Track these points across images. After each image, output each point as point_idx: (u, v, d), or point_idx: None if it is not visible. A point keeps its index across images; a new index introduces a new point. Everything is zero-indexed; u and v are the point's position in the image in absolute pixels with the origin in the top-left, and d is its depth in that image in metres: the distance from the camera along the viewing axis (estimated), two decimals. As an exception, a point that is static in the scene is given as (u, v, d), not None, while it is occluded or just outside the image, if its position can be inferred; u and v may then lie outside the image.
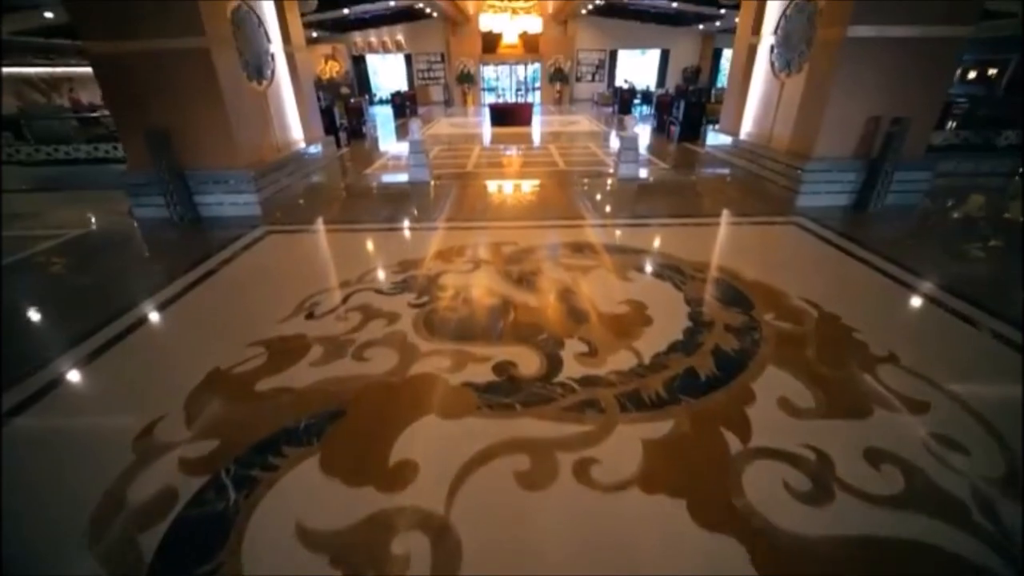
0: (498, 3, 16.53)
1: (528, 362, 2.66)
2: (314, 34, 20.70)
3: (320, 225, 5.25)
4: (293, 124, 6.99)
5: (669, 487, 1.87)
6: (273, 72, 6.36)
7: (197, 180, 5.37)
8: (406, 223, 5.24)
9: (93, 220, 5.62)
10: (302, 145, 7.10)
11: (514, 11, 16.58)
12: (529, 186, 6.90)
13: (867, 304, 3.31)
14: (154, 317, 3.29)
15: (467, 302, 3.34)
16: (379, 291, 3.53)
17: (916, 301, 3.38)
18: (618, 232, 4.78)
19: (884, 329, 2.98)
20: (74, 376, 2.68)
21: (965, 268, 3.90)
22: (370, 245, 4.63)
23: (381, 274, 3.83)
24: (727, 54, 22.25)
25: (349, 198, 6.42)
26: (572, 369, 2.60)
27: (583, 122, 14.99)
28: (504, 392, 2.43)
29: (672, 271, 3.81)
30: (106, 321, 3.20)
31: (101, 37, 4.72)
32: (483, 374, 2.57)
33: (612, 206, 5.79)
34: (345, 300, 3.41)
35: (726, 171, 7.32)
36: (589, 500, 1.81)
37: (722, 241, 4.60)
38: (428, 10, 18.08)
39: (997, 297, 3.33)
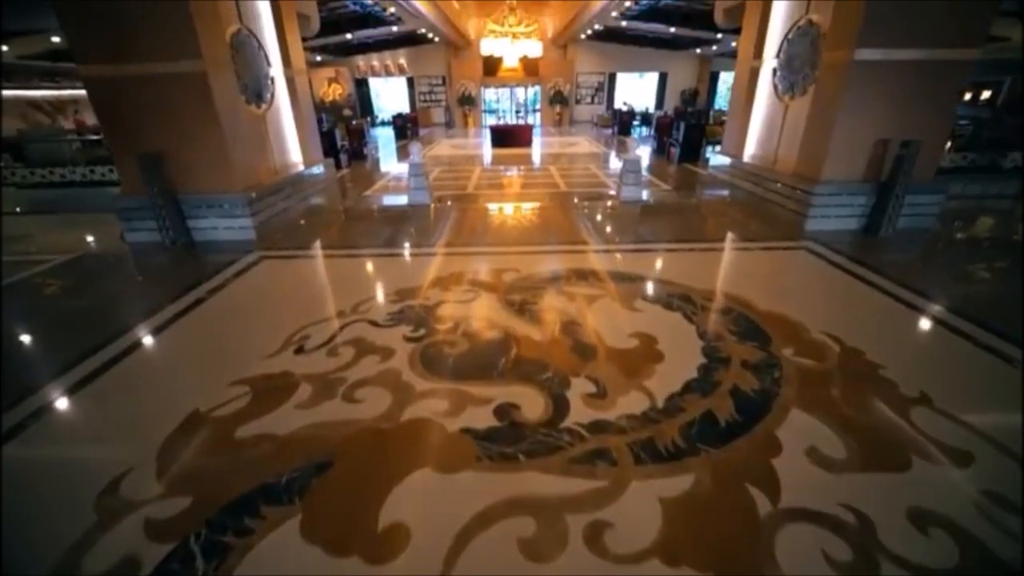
0: (499, 28, 16.80)
1: (532, 404, 2.46)
2: (318, 58, 21.03)
3: (316, 250, 5.10)
4: (292, 147, 6.92)
5: (693, 558, 1.65)
6: (273, 95, 6.31)
7: (191, 204, 5.24)
8: (404, 248, 5.09)
9: (83, 245, 5.48)
10: (301, 168, 7.02)
11: (515, 36, 16.83)
12: (530, 208, 6.79)
13: (890, 336, 3.12)
14: (134, 352, 3.10)
15: (466, 335, 3.15)
16: (374, 323, 3.34)
17: (941, 333, 3.19)
18: (623, 258, 4.63)
19: (912, 365, 2.79)
20: (39, 422, 2.48)
21: (988, 296, 3.72)
22: (367, 272, 4.47)
23: (377, 304, 3.65)
24: (724, 77, 22.54)
25: (347, 221, 6.29)
26: (580, 412, 2.40)
27: (583, 143, 15.04)
28: (506, 440, 2.22)
29: (682, 300, 3.63)
30: (81, 357, 3.02)
31: (96, 60, 4.65)
32: (483, 418, 2.37)
33: (616, 230, 5.65)
34: (337, 334, 3.22)
35: (730, 193, 7.22)
36: (604, 574, 1.59)
37: (731, 267, 4.44)
38: (430, 35, 18.39)
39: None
